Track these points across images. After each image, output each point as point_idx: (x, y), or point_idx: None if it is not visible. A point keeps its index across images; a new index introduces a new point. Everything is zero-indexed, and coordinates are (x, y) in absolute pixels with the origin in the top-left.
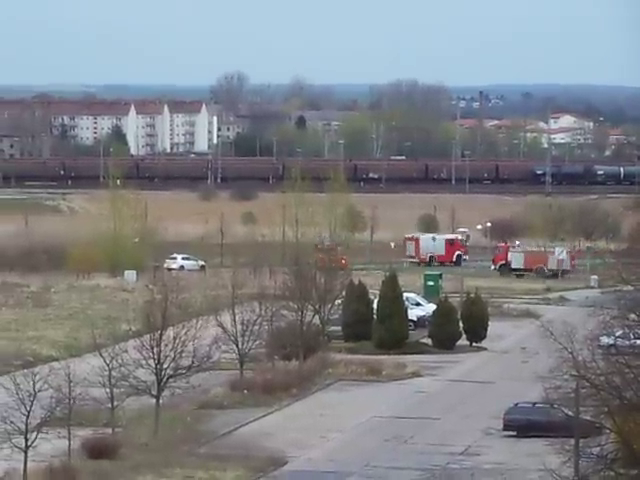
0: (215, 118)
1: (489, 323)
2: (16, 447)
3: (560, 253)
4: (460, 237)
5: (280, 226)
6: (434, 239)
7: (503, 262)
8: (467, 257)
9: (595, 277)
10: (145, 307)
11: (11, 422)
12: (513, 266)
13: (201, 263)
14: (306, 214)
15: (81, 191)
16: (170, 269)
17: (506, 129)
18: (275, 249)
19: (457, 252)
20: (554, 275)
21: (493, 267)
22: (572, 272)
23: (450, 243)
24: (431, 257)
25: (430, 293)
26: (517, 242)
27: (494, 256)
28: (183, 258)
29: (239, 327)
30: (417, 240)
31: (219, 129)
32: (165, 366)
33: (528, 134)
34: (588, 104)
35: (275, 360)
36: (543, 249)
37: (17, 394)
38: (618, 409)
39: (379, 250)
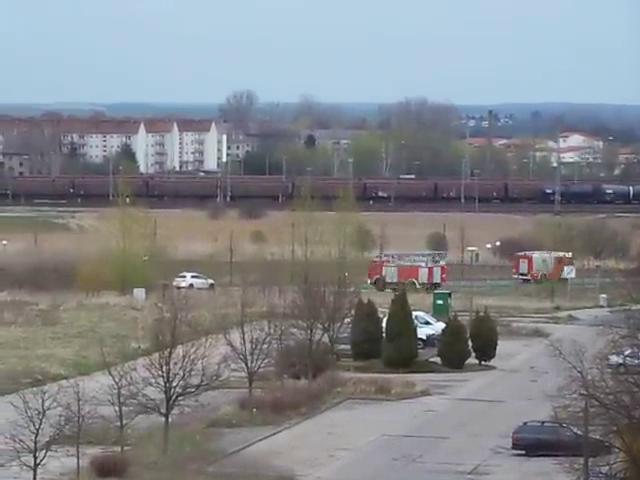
0: (224, 136)
1: (498, 342)
2: (25, 465)
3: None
4: (567, 255)
5: (289, 245)
6: (545, 257)
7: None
8: (574, 275)
9: (604, 296)
10: (154, 325)
11: (20, 440)
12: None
13: (210, 281)
14: (315, 233)
15: (90, 209)
16: (179, 287)
17: (515, 148)
18: (284, 268)
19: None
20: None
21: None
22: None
23: (559, 261)
24: (543, 274)
25: (439, 312)
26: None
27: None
28: (192, 276)
29: (248, 345)
30: (530, 258)
31: (228, 147)
32: (174, 384)
33: (537, 153)
34: (597, 123)
35: (284, 379)
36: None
37: (26, 412)
38: (627, 428)
39: None
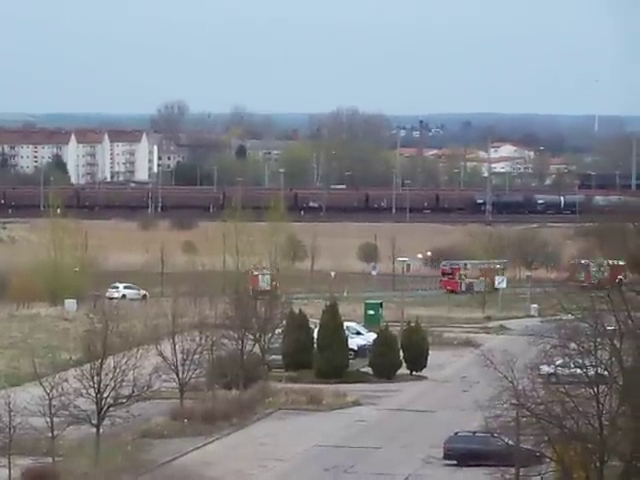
0: (155, 147)
1: (429, 352)
2: None
3: None
4: (621, 263)
5: (221, 255)
6: (601, 264)
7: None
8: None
9: (535, 306)
10: (85, 336)
11: None
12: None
13: (143, 292)
14: (246, 243)
15: (21, 220)
16: (112, 298)
17: (446, 158)
18: (216, 278)
19: (619, 276)
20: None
21: None
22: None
23: (613, 268)
24: (598, 281)
25: (371, 322)
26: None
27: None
28: (125, 287)
29: (179, 356)
30: (588, 266)
31: (159, 158)
32: (105, 395)
33: (468, 163)
34: (528, 133)
35: (215, 389)
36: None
37: None
38: (558, 438)
39: (319, 279)
